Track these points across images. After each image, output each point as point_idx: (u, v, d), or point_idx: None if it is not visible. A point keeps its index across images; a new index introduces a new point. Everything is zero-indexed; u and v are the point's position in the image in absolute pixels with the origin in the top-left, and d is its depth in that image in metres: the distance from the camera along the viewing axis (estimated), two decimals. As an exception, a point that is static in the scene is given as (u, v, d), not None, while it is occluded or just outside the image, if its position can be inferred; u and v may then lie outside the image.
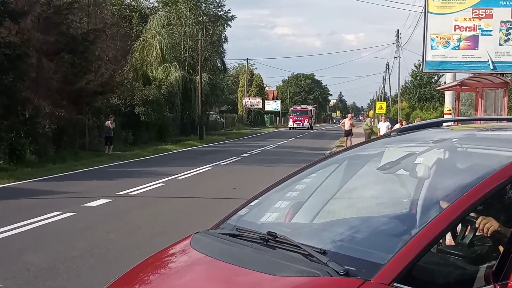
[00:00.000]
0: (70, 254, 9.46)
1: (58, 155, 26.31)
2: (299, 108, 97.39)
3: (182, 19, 54.06)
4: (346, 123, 35.54)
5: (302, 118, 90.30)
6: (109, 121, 31.41)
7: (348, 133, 34.91)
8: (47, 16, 25.83)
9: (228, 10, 63.73)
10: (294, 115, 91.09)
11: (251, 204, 4.72)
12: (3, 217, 12.51)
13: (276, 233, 3.63)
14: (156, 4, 56.14)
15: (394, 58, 76.81)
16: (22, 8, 24.94)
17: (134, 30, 45.89)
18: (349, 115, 40.95)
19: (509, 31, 18.60)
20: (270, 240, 3.65)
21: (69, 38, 27.11)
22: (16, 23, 24.14)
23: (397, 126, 27.67)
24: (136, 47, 44.51)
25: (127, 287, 4.01)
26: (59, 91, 26.59)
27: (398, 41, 73.46)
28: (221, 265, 3.77)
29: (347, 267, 2.97)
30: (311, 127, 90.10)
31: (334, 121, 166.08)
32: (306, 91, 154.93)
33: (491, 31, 18.69)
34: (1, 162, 22.24)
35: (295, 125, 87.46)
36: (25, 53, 24.21)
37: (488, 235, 3.67)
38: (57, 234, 11.10)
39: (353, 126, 35.46)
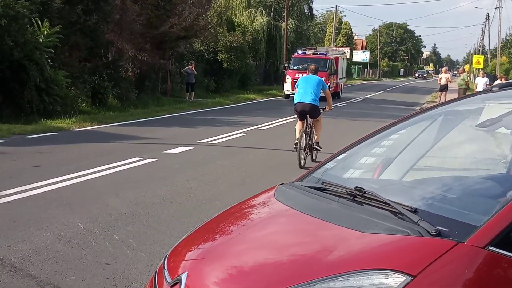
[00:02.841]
0: (151, 201, 9.73)
1: (140, 100, 26.86)
2: (308, 54, 41.13)
3: (269, -40, 53.53)
4: (443, 77, 34.64)
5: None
6: (190, 67, 31.65)
7: (443, 88, 34.08)
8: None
9: (318, -50, 62.54)
10: (296, 69, 38.93)
11: (338, 158, 4.72)
12: (86, 160, 12.97)
13: (364, 189, 3.63)
14: None
15: (496, 8, 73.74)
16: None
17: (220, -27, 45.85)
18: (444, 68, 39.83)
19: None
20: (357, 196, 3.66)
21: (154, -22, 27.33)
22: (102, -37, 24.50)
23: (498, 82, 26.79)
24: (222, -9, 44.51)
25: (207, 237, 4.07)
26: (142, 34, 26.95)
27: (501, -10, 70.74)
28: (306, 219, 3.80)
29: (439, 228, 2.95)
30: (336, 95, 40.39)
31: (416, 75, 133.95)
32: (398, 42, 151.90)
33: None
34: (84, 104, 22.91)
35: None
36: (106, -6, 24.60)
37: None
38: (138, 180, 11.42)
39: (450, 81, 34.34)
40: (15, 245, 7.10)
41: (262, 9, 48.74)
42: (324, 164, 4.60)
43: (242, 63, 40.36)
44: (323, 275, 3.07)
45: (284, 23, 49.00)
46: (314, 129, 14.56)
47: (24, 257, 6.73)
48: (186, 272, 3.59)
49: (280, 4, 53.32)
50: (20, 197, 9.52)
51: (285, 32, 48.43)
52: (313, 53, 40.42)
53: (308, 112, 14.16)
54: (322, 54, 40.60)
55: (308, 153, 14.27)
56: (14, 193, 9.66)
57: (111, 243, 7.39)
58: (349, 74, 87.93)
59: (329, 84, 32.21)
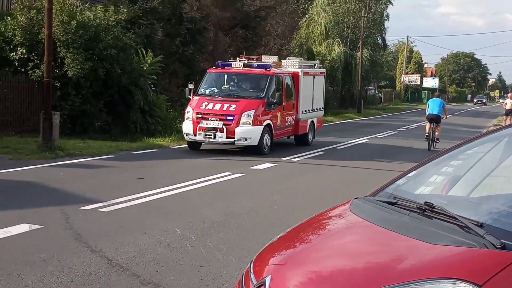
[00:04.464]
0: (239, 211, 9.81)
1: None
2: (235, 66, 18.46)
3: (346, -3, 53.37)
4: (508, 102, 33.61)
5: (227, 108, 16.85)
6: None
7: (508, 113, 33.07)
8: (224, -6, 26.56)
9: (392, -12, 61.84)
10: (209, 95, 17.71)
11: (408, 175, 4.67)
12: (183, 174, 13.22)
13: (433, 204, 3.60)
14: (323, -17, 55.87)
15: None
16: (203, -13, 25.86)
17: (301, 8, 45.89)
18: (510, 94, 38.54)
19: None
20: (427, 210, 3.62)
21: (243, 14, 27.73)
22: (197, 0, 25.03)
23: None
24: (302, 23, 44.59)
25: (289, 244, 4.08)
26: (232, 63, 27.36)
27: None
28: (380, 230, 3.77)
29: (504, 241, 2.89)
30: (301, 139, 20.32)
31: (475, 100, 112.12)
32: (465, 70, 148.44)
33: None
34: (181, 125, 23.26)
35: (204, 135, 16.58)
36: (204, 28, 25.15)
37: None
38: (228, 192, 11.56)
39: (516, 106, 33.21)
40: (121, 247, 7.29)
41: (339, 40, 48.56)
42: (396, 181, 4.55)
43: (321, 89, 39.96)
44: (395, 282, 3.05)
45: (359, 53, 48.70)
46: (437, 129, 21.21)
47: (130, 258, 6.89)
48: (270, 276, 3.61)
49: (356, 35, 52.97)
50: (126, 205, 9.77)
51: (360, 60, 48.11)
52: (245, 66, 18.27)
53: (434, 119, 21.03)
54: (262, 67, 18.10)
55: (432, 144, 20.78)
56: (121, 202, 9.92)
57: (204, 248, 7.48)
58: (419, 99, 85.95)
59: (269, 118, 17.06)
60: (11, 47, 19.76)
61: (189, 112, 17.03)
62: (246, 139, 16.33)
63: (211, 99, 17.18)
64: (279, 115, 17.75)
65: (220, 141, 16.49)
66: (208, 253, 7.27)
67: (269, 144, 17.07)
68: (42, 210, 9.15)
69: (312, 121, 20.78)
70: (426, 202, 3.65)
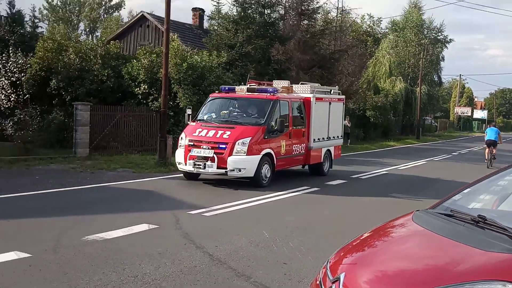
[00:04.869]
0: (316, 219, 9.74)
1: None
2: (238, 90, 14.37)
3: (407, 42, 52.35)
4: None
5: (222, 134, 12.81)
6: (346, 121, 31.68)
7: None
8: (305, 40, 26.63)
9: (446, 35, 60.42)
10: (206, 121, 13.58)
11: (463, 192, 4.56)
12: (271, 187, 13.05)
13: (485, 216, 3.55)
14: (387, 30, 55.29)
15: None
16: (287, 34, 26.09)
17: (368, 51, 45.45)
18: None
19: None
20: (480, 222, 3.57)
21: (320, 56, 27.68)
22: (283, 45, 25.27)
23: None
24: (370, 64, 44.13)
25: (359, 248, 4.07)
26: (310, 97, 27.40)
27: None
28: (438, 238, 3.70)
29: (548, 250, 2.78)
30: (316, 170, 15.97)
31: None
32: (510, 103, 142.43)
33: None
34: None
35: (193, 165, 12.58)
36: (288, 68, 25.27)
37: None
38: (307, 203, 11.51)
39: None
40: (220, 245, 7.38)
41: (401, 77, 47.74)
42: (452, 196, 4.45)
43: (385, 118, 39.49)
44: (453, 282, 3.01)
45: (418, 88, 47.66)
46: (493, 151, 21.90)
47: (227, 254, 6.97)
48: (344, 273, 3.63)
49: (415, 73, 51.80)
50: (224, 211, 9.90)
51: (419, 95, 47.00)
52: (248, 90, 14.26)
53: (492, 144, 21.76)
54: (265, 91, 13.97)
55: (490, 163, 21.46)
56: (220, 208, 10.08)
57: (287, 248, 7.47)
58: (470, 128, 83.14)
59: (269, 147, 13.08)
60: (136, 83, 20.62)
61: (182, 139, 13.12)
62: (240, 170, 12.42)
63: (206, 125, 13.22)
64: (283, 143, 13.65)
65: (209, 171, 12.53)
66: (290, 253, 7.27)
67: (268, 175, 13.05)
68: (158, 213, 9.40)
69: (328, 150, 16.26)
70: (479, 215, 3.60)
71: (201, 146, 12.63)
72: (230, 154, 12.38)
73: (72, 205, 9.96)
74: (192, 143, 12.81)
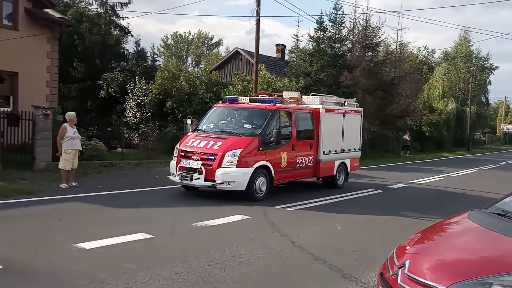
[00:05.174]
0: (380, 215, 9.45)
1: (372, 154, 26.39)
2: (241, 101, 11.66)
3: (457, 69, 50.14)
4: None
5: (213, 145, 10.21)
6: (406, 135, 30.86)
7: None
8: (369, 68, 26.13)
9: (492, 63, 57.58)
10: (205, 132, 11.07)
11: (513, 195, 4.36)
12: (345, 190, 12.83)
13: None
14: (439, 59, 53.20)
15: None
16: (354, 64, 25.75)
17: (423, 77, 43.76)
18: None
19: None
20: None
21: (381, 82, 27.03)
22: (350, 73, 24.94)
23: None
24: (425, 87, 42.47)
25: (419, 241, 4.01)
26: (373, 115, 26.68)
27: None
28: (491, 233, 3.58)
29: None
30: (330, 181, 12.99)
31: None
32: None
33: None
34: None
35: (181, 176, 10.19)
36: (355, 91, 24.88)
37: None
38: (371, 203, 11.11)
39: None
40: (301, 234, 7.36)
41: (452, 99, 45.68)
42: (504, 199, 4.27)
43: (439, 133, 38.07)
44: (503, 271, 2.91)
45: (468, 108, 45.49)
46: None
47: (306, 242, 6.94)
48: (409, 260, 3.60)
49: (465, 96, 49.36)
50: (304, 207, 9.81)
51: (469, 114, 44.87)
52: (250, 100, 11.54)
53: None
54: (266, 101, 11.27)
55: None
56: (300, 205, 9.98)
57: (357, 239, 7.39)
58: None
59: (265, 158, 10.32)
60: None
61: (176, 149, 10.75)
62: (229, 183, 9.78)
63: (201, 135, 10.71)
64: (284, 155, 10.78)
65: (196, 184, 10.03)
66: (360, 242, 7.16)
67: (264, 189, 10.27)
68: (250, 208, 9.45)
69: (343, 163, 13.15)
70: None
71: (192, 157, 10.13)
72: (219, 166, 9.78)
73: (183, 198, 10.23)
74: (183, 154, 10.34)
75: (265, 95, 12.11)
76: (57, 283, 4.83)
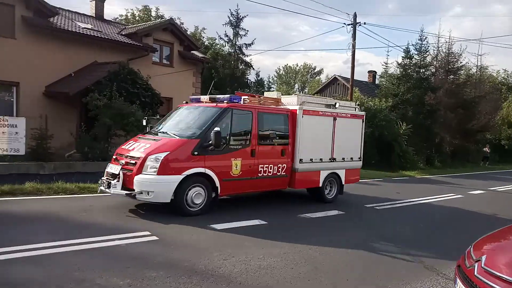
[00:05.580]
0: (458, 215, 8.59)
1: (453, 164, 24.18)
2: (203, 100, 7.90)
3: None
4: None
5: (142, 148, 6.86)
6: (486, 148, 27.97)
7: None
8: (451, 89, 24.06)
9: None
10: (147, 133, 7.77)
11: None
12: (414, 193, 11.86)
13: None
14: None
15: None
16: (437, 86, 23.94)
17: (503, 96, 38.98)
18: None
19: None
20: None
21: (462, 100, 24.68)
22: (434, 93, 23.24)
23: None
24: (504, 105, 37.70)
25: (494, 239, 3.74)
26: (454, 129, 24.46)
27: None
28: None
29: None
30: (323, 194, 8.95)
31: None
32: None
33: None
34: (421, 164, 21.61)
35: (101, 183, 6.97)
36: (438, 109, 23.19)
37: None
38: (451, 204, 10.08)
39: None
40: (387, 229, 6.97)
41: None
42: None
43: (518, 146, 33.48)
44: None
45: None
46: None
47: (392, 236, 6.53)
48: (485, 256, 3.32)
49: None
50: (389, 207, 9.24)
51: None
52: (210, 99, 7.70)
53: None
54: (220, 100, 7.55)
55: None
56: (387, 205, 9.43)
57: (437, 235, 6.79)
58: None
59: (203, 165, 6.85)
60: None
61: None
62: (148, 193, 6.56)
63: (144, 136, 7.59)
64: (236, 162, 7.37)
65: (112, 192, 6.81)
66: (440, 238, 6.59)
67: (199, 202, 6.94)
68: (346, 204, 9.00)
69: (335, 173, 9.18)
70: None
71: (120, 161, 7.06)
72: (139, 172, 6.63)
73: (290, 195, 10.10)
74: (115, 157, 7.26)
75: (261, 98, 8.36)
76: (197, 253, 5.11)
